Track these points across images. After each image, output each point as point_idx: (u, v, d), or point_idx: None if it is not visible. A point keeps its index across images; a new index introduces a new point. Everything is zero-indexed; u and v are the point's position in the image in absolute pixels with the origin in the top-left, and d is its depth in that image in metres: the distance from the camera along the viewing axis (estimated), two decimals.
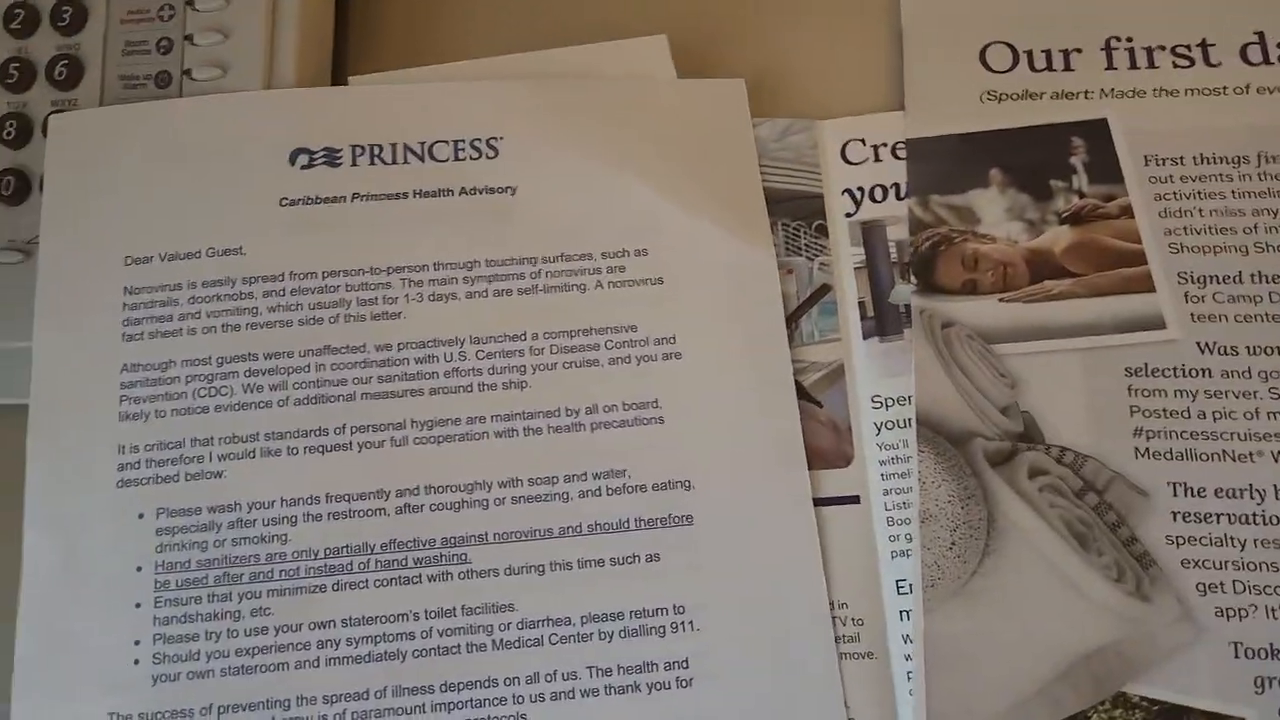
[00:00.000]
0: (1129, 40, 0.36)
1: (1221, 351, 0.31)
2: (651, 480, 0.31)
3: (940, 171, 0.35)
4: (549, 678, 0.29)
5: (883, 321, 0.34)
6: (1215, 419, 0.31)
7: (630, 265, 0.33)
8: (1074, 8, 0.37)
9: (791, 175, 0.35)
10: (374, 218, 0.33)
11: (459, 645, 0.29)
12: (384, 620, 0.29)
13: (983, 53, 0.37)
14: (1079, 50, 0.36)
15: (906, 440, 0.32)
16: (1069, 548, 0.30)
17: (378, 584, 0.30)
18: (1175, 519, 0.30)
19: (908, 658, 0.30)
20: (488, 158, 0.34)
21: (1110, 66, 0.36)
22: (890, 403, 0.33)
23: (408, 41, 0.39)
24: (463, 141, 0.34)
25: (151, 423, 0.31)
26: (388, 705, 0.29)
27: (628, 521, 0.31)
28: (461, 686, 0.29)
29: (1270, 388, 0.31)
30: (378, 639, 0.29)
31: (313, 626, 0.29)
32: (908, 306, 0.33)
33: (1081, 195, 0.34)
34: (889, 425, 0.32)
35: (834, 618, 0.30)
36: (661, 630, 0.30)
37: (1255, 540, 0.29)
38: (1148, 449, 0.31)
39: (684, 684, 0.29)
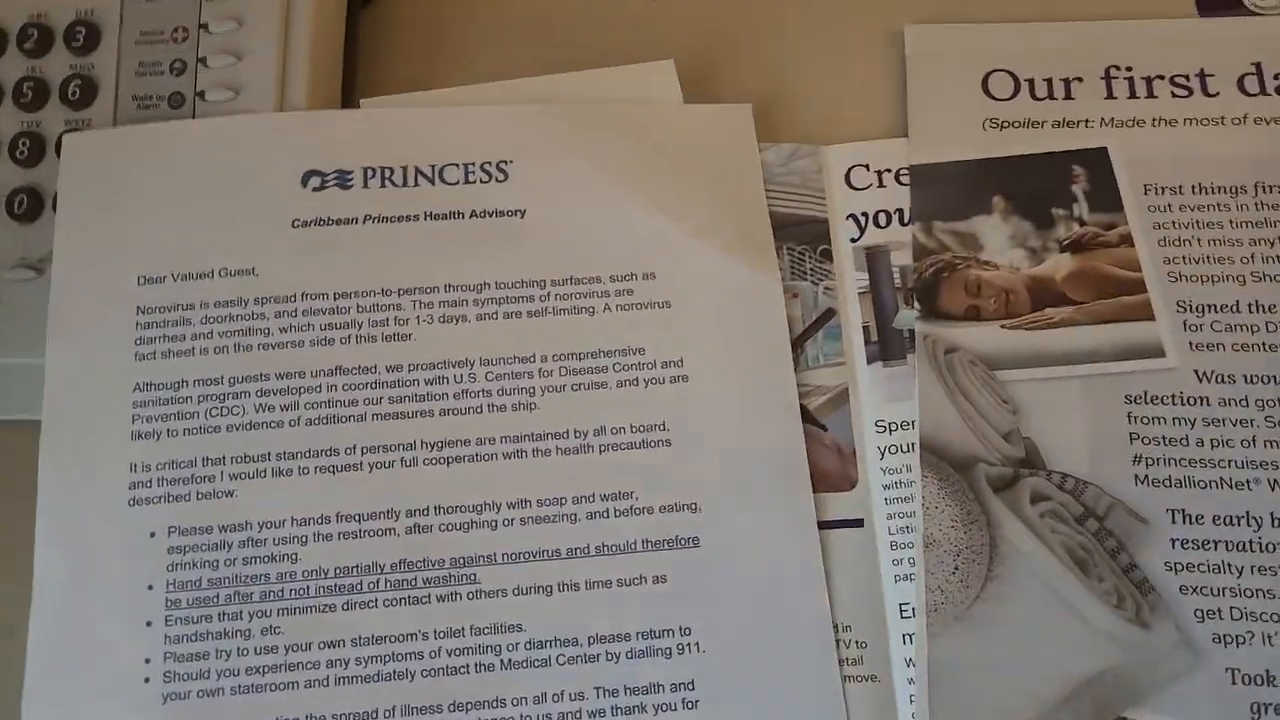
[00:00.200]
0: (1129, 70, 0.37)
1: (1219, 380, 0.32)
2: (659, 502, 0.31)
3: (943, 198, 0.35)
4: (556, 698, 0.30)
5: (887, 346, 0.34)
6: (1213, 447, 0.31)
7: (638, 288, 0.34)
8: (1075, 37, 0.38)
9: (797, 200, 0.36)
10: (385, 240, 0.34)
11: (468, 665, 0.30)
12: (393, 640, 0.30)
13: (985, 81, 0.37)
14: (1079, 79, 0.37)
15: (910, 465, 0.32)
16: (1070, 573, 0.30)
17: (387, 604, 0.30)
18: (1174, 546, 0.30)
19: (910, 681, 0.30)
20: (498, 181, 0.35)
21: (1110, 96, 0.37)
22: (894, 427, 0.33)
23: (418, 65, 0.39)
24: (473, 165, 0.35)
25: (163, 442, 0.31)
26: None
27: (635, 543, 0.31)
28: (470, 706, 0.29)
29: (1267, 416, 0.31)
30: (387, 659, 0.30)
31: (322, 646, 0.30)
32: (911, 332, 0.34)
33: (1082, 223, 0.35)
34: (893, 450, 0.33)
35: (838, 640, 0.30)
36: (668, 651, 0.30)
37: (1252, 567, 0.30)
38: (1147, 476, 0.31)
39: (690, 705, 0.30)
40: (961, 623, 0.30)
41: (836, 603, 0.31)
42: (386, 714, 0.29)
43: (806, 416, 0.33)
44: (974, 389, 0.33)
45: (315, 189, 0.34)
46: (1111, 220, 0.35)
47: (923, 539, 0.31)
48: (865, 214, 0.36)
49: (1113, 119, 0.36)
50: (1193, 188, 0.35)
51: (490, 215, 0.34)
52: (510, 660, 0.30)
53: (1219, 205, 0.34)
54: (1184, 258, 0.34)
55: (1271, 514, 0.30)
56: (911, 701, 0.30)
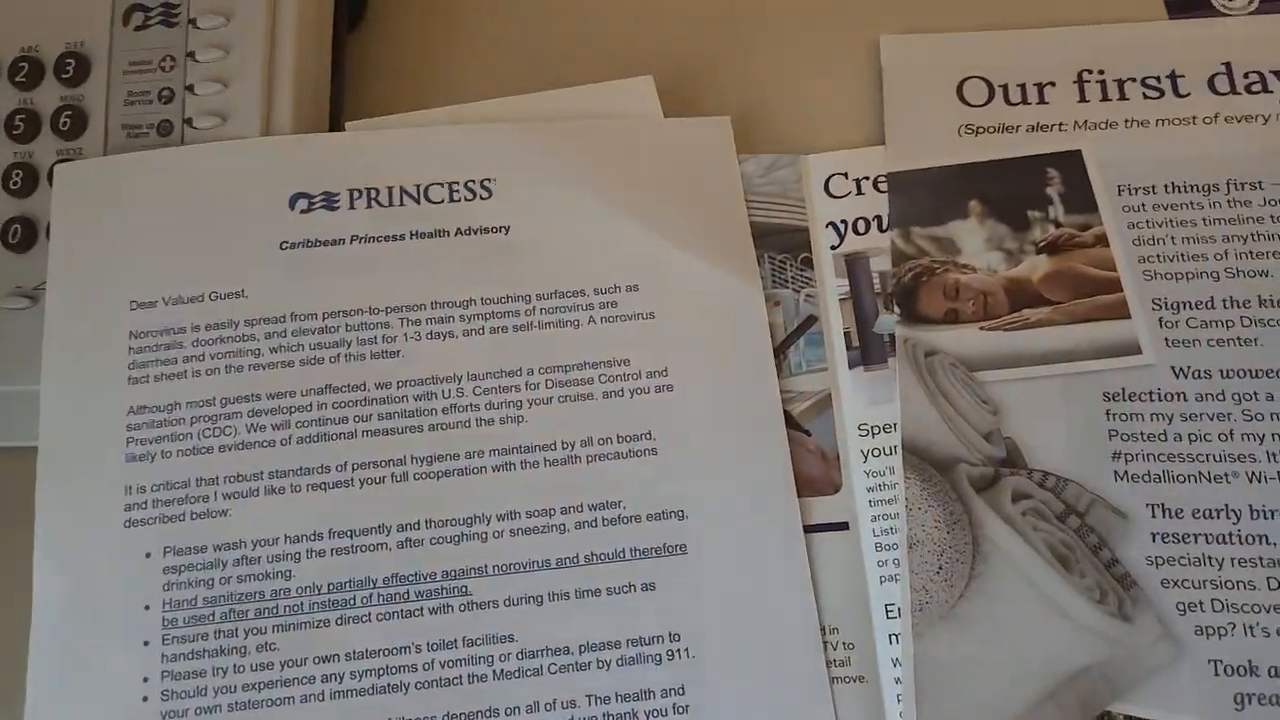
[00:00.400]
0: (1100, 73, 0.37)
1: (1195, 375, 0.32)
2: (646, 511, 0.32)
3: (921, 203, 0.36)
4: (549, 706, 0.30)
5: (868, 351, 0.35)
6: (1191, 441, 0.32)
7: (622, 300, 0.34)
8: (1046, 43, 0.38)
9: (777, 210, 0.36)
10: (372, 259, 0.34)
11: (461, 676, 0.30)
12: (387, 653, 0.30)
13: (960, 88, 0.38)
14: (1052, 84, 0.37)
15: (893, 467, 0.33)
16: (1052, 570, 0.30)
17: (380, 617, 0.30)
18: (1154, 540, 0.31)
19: (898, 680, 0.30)
20: (481, 199, 0.35)
21: (1083, 99, 0.37)
22: (877, 430, 0.33)
23: (404, 87, 0.40)
24: (457, 184, 0.35)
25: (158, 463, 0.32)
26: None
27: (623, 551, 0.31)
28: (464, 717, 0.30)
29: (1243, 410, 0.32)
30: (381, 671, 0.30)
31: (317, 661, 0.30)
32: (892, 336, 0.34)
33: (1058, 225, 0.35)
34: (876, 453, 0.33)
35: (825, 642, 0.31)
36: (658, 658, 0.30)
37: (1232, 559, 0.30)
38: (1126, 472, 0.31)
39: (680, 710, 0.30)
40: (947, 621, 0.30)
41: (823, 605, 0.31)
42: None
43: (790, 422, 0.33)
44: (954, 391, 0.33)
45: (303, 211, 0.35)
46: (1086, 221, 0.35)
47: (907, 540, 0.31)
48: (844, 221, 0.36)
49: (1086, 122, 0.37)
50: (1166, 187, 0.35)
51: (475, 233, 0.35)
52: (502, 670, 0.30)
53: (1192, 204, 0.35)
54: (1158, 256, 0.34)
55: (1250, 506, 0.31)
56: (899, 700, 0.30)
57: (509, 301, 0.34)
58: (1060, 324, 0.34)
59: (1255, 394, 0.32)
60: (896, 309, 0.35)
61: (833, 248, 0.36)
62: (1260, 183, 0.35)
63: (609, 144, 0.36)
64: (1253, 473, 0.31)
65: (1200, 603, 0.30)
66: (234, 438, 0.32)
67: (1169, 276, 0.34)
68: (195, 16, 0.36)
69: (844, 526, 0.32)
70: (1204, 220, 0.34)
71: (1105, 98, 0.37)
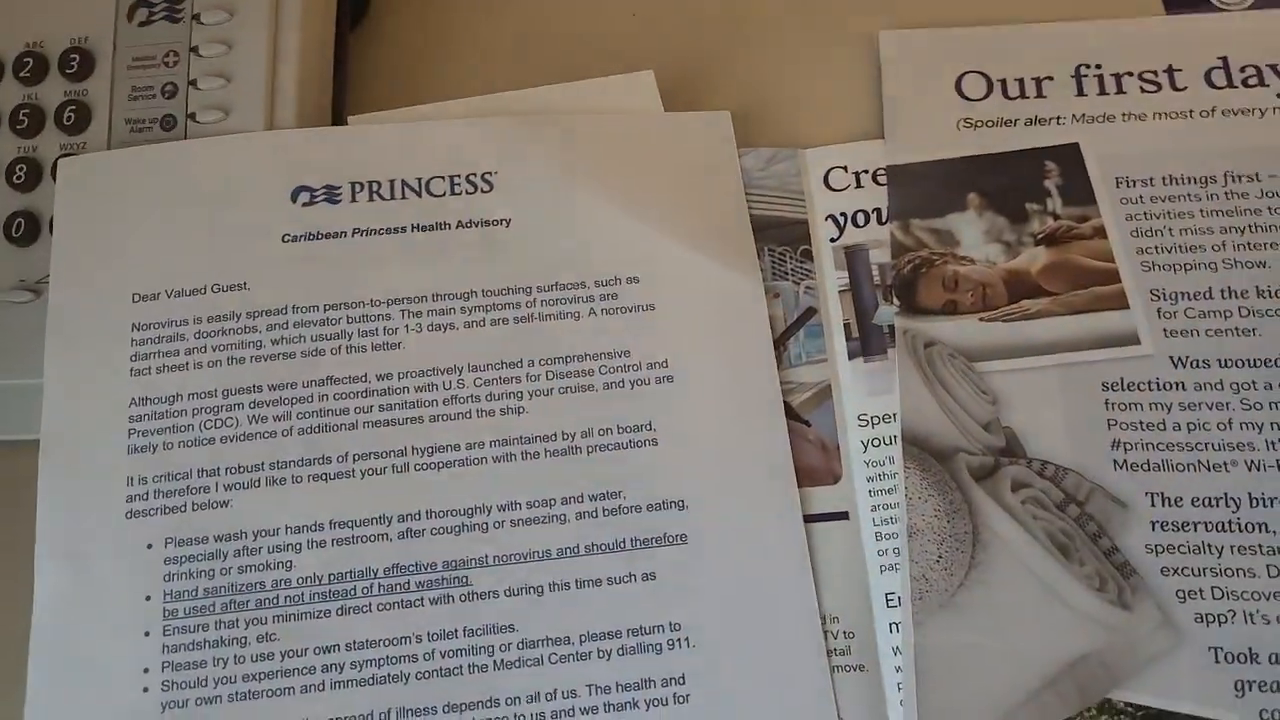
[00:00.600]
0: (1098, 67, 0.38)
1: (1194, 365, 0.33)
2: (646, 501, 0.32)
3: (920, 196, 0.36)
4: (549, 696, 0.30)
5: (867, 342, 0.35)
6: (1190, 430, 0.32)
7: (622, 292, 0.34)
8: (1045, 38, 0.38)
9: (777, 202, 0.36)
10: (373, 252, 0.34)
11: (461, 666, 0.30)
12: (387, 643, 0.30)
13: (958, 82, 0.38)
14: (1050, 78, 0.38)
15: (893, 457, 0.33)
16: (1052, 559, 0.30)
17: (381, 608, 0.30)
18: (1154, 528, 0.31)
19: (898, 669, 0.30)
20: (483, 192, 0.35)
21: (1080, 93, 0.37)
22: (876, 421, 0.34)
23: (406, 82, 0.40)
24: (458, 177, 0.35)
25: (159, 455, 0.32)
26: None
27: (624, 542, 0.31)
28: (464, 707, 0.30)
29: (1242, 399, 0.32)
30: (382, 662, 0.30)
31: (318, 651, 0.30)
32: (891, 327, 0.35)
33: (1056, 217, 0.35)
34: (875, 443, 0.33)
35: (825, 631, 0.31)
36: (659, 647, 0.30)
37: (1232, 547, 0.30)
38: (1126, 461, 0.32)
39: (681, 700, 0.30)
40: (947, 610, 0.30)
41: (823, 594, 0.31)
42: (382, 716, 0.29)
43: (790, 413, 0.33)
44: (954, 381, 0.33)
45: (305, 204, 0.35)
46: (1084, 213, 0.35)
47: (907, 529, 0.32)
48: (844, 214, 0.36)
49: (1084, 115, 0.37)
50: (1163, 179, 0.35)
51: (476, 225, 0.35)
52: (503, 660, 0.30)
53: (1189, 196, 0.35)
54: (1156, 247, 0.34)
55: (1249, 494, 0.31)
56: (899, 689, 0.30)
57: (510, 293, 0.34)
58: (1059, 315, 0.34)
59: (1253, 383, 0.32)
60: (896, 300, 0.35)
61: (832, 240, 0.36)
62: (1258, 175, 0.35)
63: (610, 138, 0.36)
64: (1251, 461, 0.31)
65: (1200, 590, 0.30)
66: (235, 429, 0.32)
67: (1167, 268, 0.34)
68: (199, 12, 0.36)
69: (844, 516, 0.32)
70: (1201, 212, 0.35)
71: (1103, 92, 0.37)
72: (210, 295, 0.33)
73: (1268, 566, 0.30)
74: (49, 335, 0.33)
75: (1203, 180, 0.35)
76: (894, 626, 0.31)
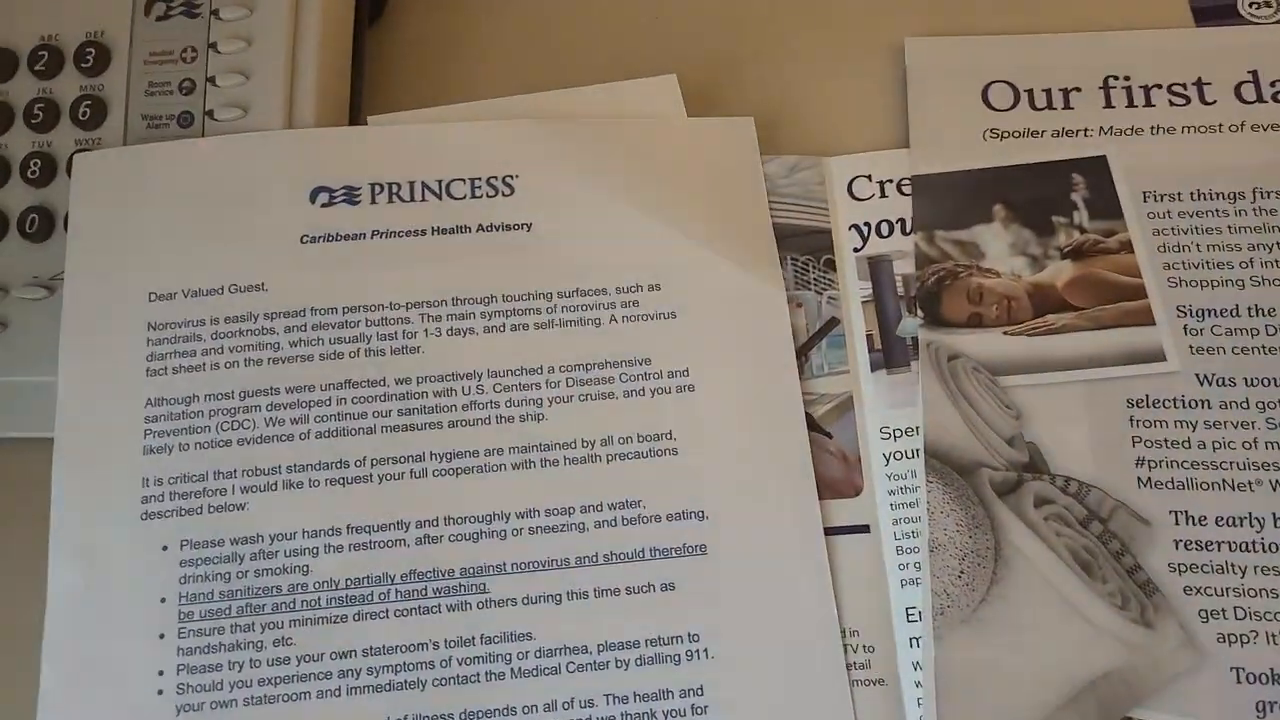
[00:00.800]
0: (1126, 79, 0.37)
1: (1220, 383, 0.32)
2: (666, 511, 0.32)
3: (945, 207, 0.36)
4: (566, 706, 0.30)
5: (890, 354, 0.34)
6: (1215, 449, 0.32)
7: (644, 299, 0.34)
8: (1073, 49, 0.38)
9: (800, 211, 0.36)
10: (393, 254, 0.34)
11: (478, 674, 0.30)
12: (404, 650, 0.30)
13: (985, 92, 0.38)
14: (1078, 89, 0.37)
15: (915, 470, 0.33)
16: (1074, 576, 0.30)
17: (398, 614, 0.30)
18: (1177, 547, 0.31)
19: (918, 684, 0.30)
20: (504, 195, 0.35)
21: (1109, 105, 0.37)
22: (898, 434, 0.33)
23: (425, 82, 0.40)
24: (479, 180, 0.35)
25: (175, 456, 0.31)
26: None
27: (643, 551, 0.31)
28: (481, 715, 0.30)
29: (1268, 418, 0.32)
30: (398, 668, 0.30)
31: (334, 656, 0.30)
32: (915, 339, 0.34)
33: (1082, 231, 0.35)
34: (898, 456, 0.33)
35: (845, 645, 0.31)
36: (677, 658, 0.30)
37: (1255, 567, 0.30)
38: (1149, 479, 0.31)
39: (699, 711, 0.30)
40: (968, 625, 0.30)
41: (844, 608, 0.31)
42: None
43: (812, 424, 0.33)
44: (977, 395, 0.33)
45: (323, 205, 0.34)
46: (1111, 227, 0.35)
47: (928, 543, 0.31)
48: (868, 224, 0.36)
49: (1111, 128, 0.37)
50: (1191, 194, 0.35)
51: (496, 229, 0.35)
52: (520, 669, 0.30)
53: (1218, 211, 0.35)
54: (1183, 263, 0.34)
55: (1274, 514, 0.31)
56: (919, 704, 0.30)
57: (530, 299, 0.34)
58: (1084, 330, 0.34)
59: (1279, 402, 0.32)
60: (919, 312, 0.35)
61: (856, 250, 0.36)
62: None
63: (632, 142, 0.36)
64: (1276, 481, 0.31)
65: (1222, 610, 0.30)
66: (252, 431, 0.32)
67: (1194, 284, 0.34)
68: (218, 8, 0.36)
69: (865, 529, 0.32)
70: (1229, 228, 0.34)
71: (1131, 104, 0.37)
72: (227, 295, 0.33)
73: None
74: (63, 333, 0.33)
75: (1231, 195, 0.35)
76: (914, 641, 0.31)
